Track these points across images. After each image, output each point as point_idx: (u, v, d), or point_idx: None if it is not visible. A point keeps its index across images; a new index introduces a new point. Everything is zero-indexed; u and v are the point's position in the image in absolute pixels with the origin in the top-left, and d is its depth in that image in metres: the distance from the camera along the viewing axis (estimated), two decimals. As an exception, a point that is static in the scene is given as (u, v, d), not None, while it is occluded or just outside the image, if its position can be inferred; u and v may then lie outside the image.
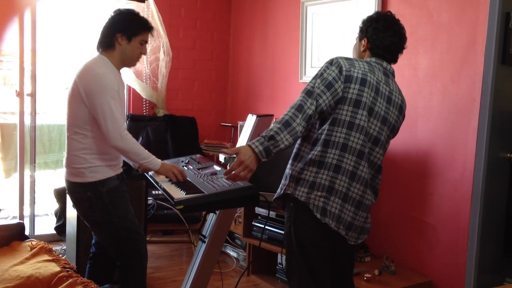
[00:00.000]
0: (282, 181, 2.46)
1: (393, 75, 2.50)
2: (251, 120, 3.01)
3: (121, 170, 2.94)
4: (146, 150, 2.84)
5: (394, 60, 2.52)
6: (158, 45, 5.03)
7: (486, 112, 3.09)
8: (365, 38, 2.49)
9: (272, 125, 2.23)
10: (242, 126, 4.14)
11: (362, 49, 2.51)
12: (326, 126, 2.31)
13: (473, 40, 3.24)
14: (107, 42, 2.81)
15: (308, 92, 2.26)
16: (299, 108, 2.22)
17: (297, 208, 2.37)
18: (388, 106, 2.39)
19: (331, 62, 2.34)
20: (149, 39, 2.90)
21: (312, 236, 2.38)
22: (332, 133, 2.30)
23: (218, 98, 5.66)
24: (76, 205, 2.92)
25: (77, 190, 2.84)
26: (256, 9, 5.24)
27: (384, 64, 2.46)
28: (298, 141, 2.42)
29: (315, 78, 2.31)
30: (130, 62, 2.88)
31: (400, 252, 3.69)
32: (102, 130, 2.71)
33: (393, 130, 2.46)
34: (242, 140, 3.03)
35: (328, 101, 2.26)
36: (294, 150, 2.44)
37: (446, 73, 3.41)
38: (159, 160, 2.87)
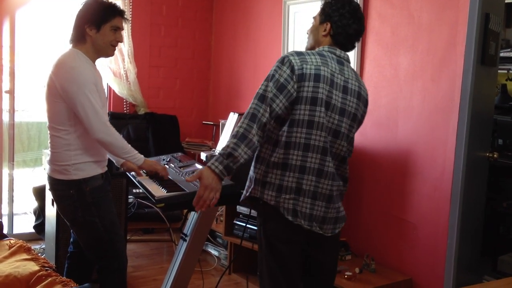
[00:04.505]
0: (248, 183, 2.41)
1: (348, 61, 2.41)
2: (233, 118, 3.01)
3: (106, 168, 2.89)
4: (129, 145, 2.78)
5: (353, 49, 2.46)
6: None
7: (466, 112, 3.11)
8: (328, 23, 2.36)
9: (228, 139, 2.17)
10: (224, 125, 4.14)
11: (323, 33, 2.38)
12: (285, 128, 2.25)
13: (453, 40, 3.27)
14: (77, 35, 2.75)
15: (261, 97, 2.19)
16: (253, 117, 2.16)
17: (267, 210, 2.34)
18: (344, 96, 2.31)
19: (282, 61, 2.24)
20: (124, 25, 2.82)
21: (282, 233, 2.33)
22: (292, 135, 2.24)
23: (200, 96, 5.65)
24: (57, 202, 2.87)
25: (59, 187, 2.78)
26: (238, 7, 5.23)
27: (338, 52, 2.36)
28: None
29: (266, 80, 2.22)
30: (105, 51, 2.80)
31: (381, 251, 3.71)
32: (84, 125, 2.65)
33: (355, 119, 2.38)
34: (224, 138, 3.03)
35: (282, 104, 2.20)
36: (256, 152, 2.37)
37: (426, 73, 3.44)
38: (142, 155, 2.82)
